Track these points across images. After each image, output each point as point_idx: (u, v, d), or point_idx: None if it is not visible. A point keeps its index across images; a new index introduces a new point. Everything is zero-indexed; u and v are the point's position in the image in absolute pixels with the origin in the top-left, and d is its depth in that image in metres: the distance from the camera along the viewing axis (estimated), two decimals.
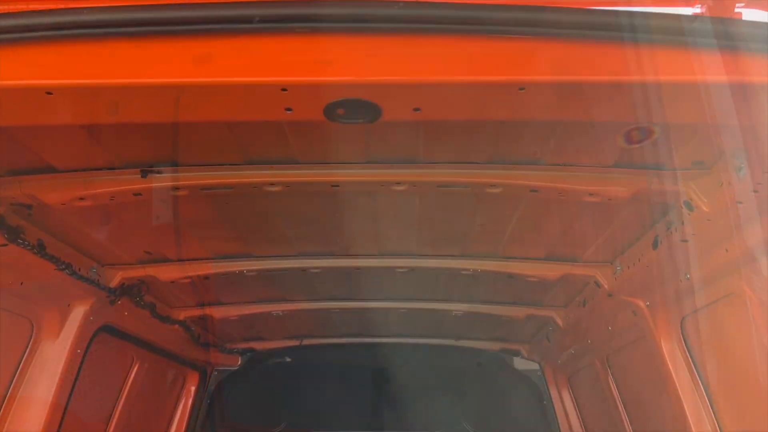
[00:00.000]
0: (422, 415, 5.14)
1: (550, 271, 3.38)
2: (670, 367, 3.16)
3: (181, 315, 4.19)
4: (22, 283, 2.84)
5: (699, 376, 3.09)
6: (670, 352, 3.17)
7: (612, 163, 2.32)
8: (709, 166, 2.20)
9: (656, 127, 2.02)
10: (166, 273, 3.44)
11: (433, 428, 5.08)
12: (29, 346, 3.13)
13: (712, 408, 3.01)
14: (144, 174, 2.38)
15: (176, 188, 2.47)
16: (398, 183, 2.46)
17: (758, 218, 2.16)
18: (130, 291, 3.47)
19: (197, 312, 4.23)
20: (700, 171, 2.23)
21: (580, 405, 4.88)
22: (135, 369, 4.17)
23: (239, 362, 5.28)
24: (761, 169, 1.97)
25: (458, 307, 4.31)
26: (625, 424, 4.01)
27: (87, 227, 2.87)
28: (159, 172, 2.40)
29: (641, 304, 3.24)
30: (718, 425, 2.96)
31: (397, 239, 3.24)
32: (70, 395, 3.26)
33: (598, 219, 2.75)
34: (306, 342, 5.29)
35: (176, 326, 4.16)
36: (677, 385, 3.15)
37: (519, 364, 5.27)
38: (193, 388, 5.04)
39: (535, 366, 5.22)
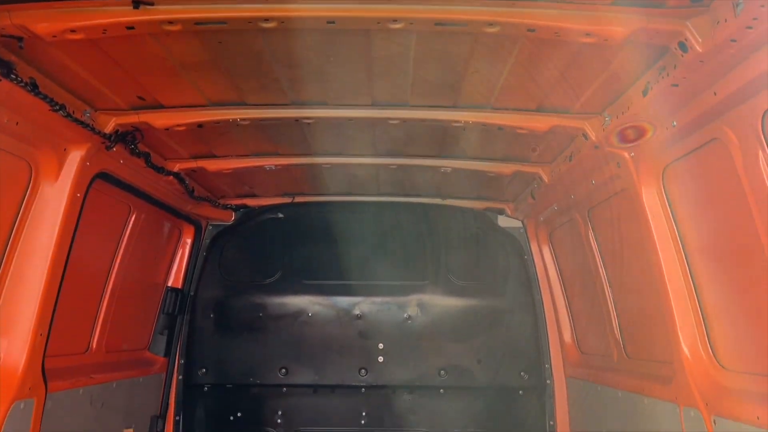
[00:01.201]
0: (409, 268, 5.42)
1: (540, 123, 3.44)
2: (649, 218, 3.33)
3: (176, 166, 4.25)
4: (17, 123, 2.85)
5: (676, 226, 3.27)
6: (651, 202, 3.32)
7: (610, 1, 2.32)
8: (708, 3, 2.20)
9: None
10: (159, 120, 3.45)
11: (420, 279, 5.37)
12: (29, 188, 3.19)
13: (686, 258, 3.22)
14: (136, 5, 2.34)
15: (169, 22, 2.43)
16: (395, 20, 2.44)
17: (750, 56, 2.21)
18: (124, 138, 3.50)
19: (191, 164, 4.29)
20: (699, 8, 2.23)
21: (559, 259, 5.16)
22: (132, 218, 4.30)
23: (233, 218, 5.44)
24: (758, 3, 1.98)
25: (447, 164, 4.40)
26: (602, 276, 4.27)
27: (79, 66, 2.84)
28: (151, 4, 2.35)
29: (626, 155, 3.35)
30: (692, 275, 3.17)
31: (391, 88, 3.25)
32: (72, 240, 3.37)
33: (591, 64, 2.77)
34: (298, 199, 5.43)
35: (170, 178, 4.23)
36: (655, 236, 3.33)
37: (503, 222, 5.49)
38: (189, 241, 5.23)
39: (518, 224, 5.45)
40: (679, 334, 3.15)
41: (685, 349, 3.12)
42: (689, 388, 3.02)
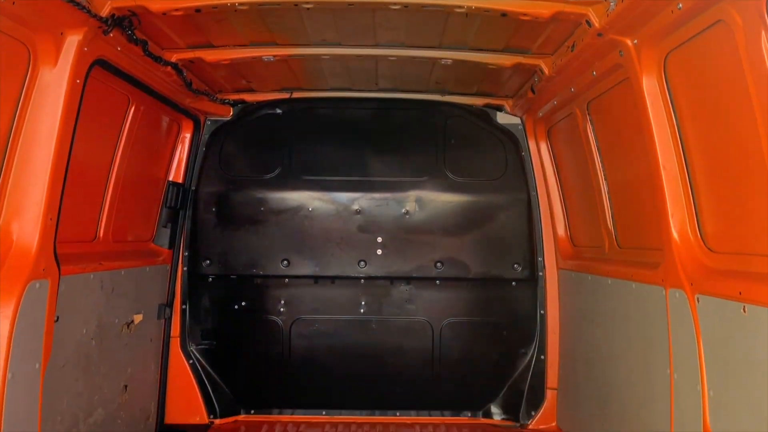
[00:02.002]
0: (408, 164, 5.48)
1: (544, 8, 3.39)
2: (648, 107, 3.35)
3: (173, 56, 4.20)
4: (14, 2, 2.80)
5: (675, 115, 3.29)
6: (651, 91, 3.33)
7: None
8: None
9: None
10: (155, 4, 3.38)
11: (418, 176, 5.45)
12: (29, 74, 3.17)
13: (682, 146, 3.26)
14: None
15: None
16: None
17: None
18: (121, 23, 3.44)
19: (189, 54, 4.23)
20: None
21: (556, 155, 5.22)
22: (132, 110, 4.30)
23: (231, 113, 5.43)
24: None
25: (448, 55, 4.35)
26: (598, 169, 4.34)
27: None
28: None
29: (629, 42, 3.32)
30: (686, 162, 3.23)
31: None
32: (75, 127, 3.38)
33: None
34: (296, 95, 5.40)
35: (168, 68, 4.20)
36: (653, 125, 3.36)
37: (502, 118, 5.50)
38: (188, 136, 5.24)
39: (517, 120, 5.47)
40: (671, 220, 3.25)
41: (675, 235, 3.23)
42: (676, 271, 3.16)
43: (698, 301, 2.97)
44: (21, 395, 3.09)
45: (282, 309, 5.47)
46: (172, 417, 5.24)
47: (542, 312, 5.37)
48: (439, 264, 5.41)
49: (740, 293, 2.62)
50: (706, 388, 2.88)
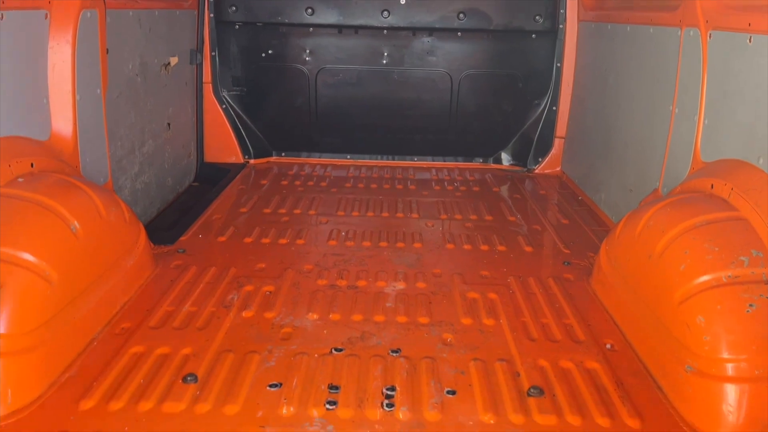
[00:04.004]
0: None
1: None
2: None
3: None
4: None
5: None
6: None
7: None
8: None
9: None
10: None
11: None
12: None
13: None
14: None
15: None
16: None
17: None
18: None
19: None
20: None
21: None
22: None
23: None
24: None
25: None
26: None
27: None
28: None
29: None
30: None
31: None
32: None
33: None
34: None
35: None
36: None
37: None
38: None
39: None
40: None
41: None
42: (694, 10, 3.31)
43: (710, 37, 3.17)
44: (89, 117, 3.47)
45: (307, 58, 5.68)
46: (211, 157, 5.75)
47: (558, 65, 5.57)
48: (461, 15, 5.48)
49: (749, 24, 2.81)
50: (702, 117, 3.21)
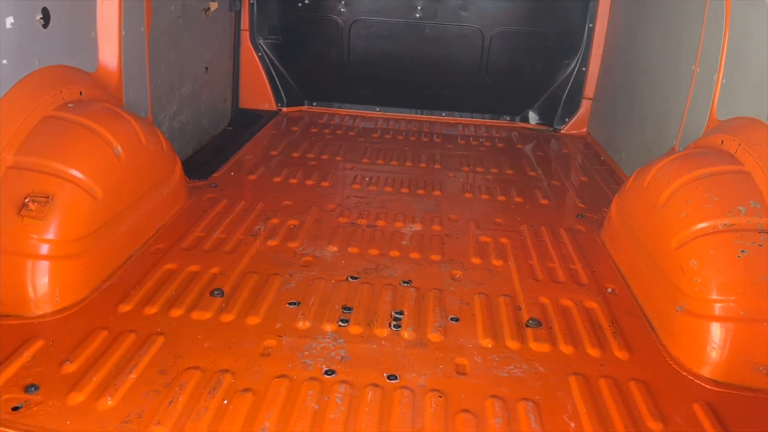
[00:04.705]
0: None
1: None
2: None
3: None
4: None
5: None
6: None
7: None
8: None
9: None
10: None
11: None
12: None
13: None
14: None
15: None
16: None
17: None
18: None
19: None
20: None
21: None
22: None
23: None
24: None
25: None
26: None
27: None
28: None
29: None
30: None
31: None
32: None
33: None
34: None
35: None
36: None
37: None
38: None
39: None
40: None
41: None
42: None
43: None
44: (133, 53, 3.68)
45: (342, 9, 5.80)
46: (245, 103, 5.95)
47: (591, 25, 5.59)
48: None
49: None
50: (721, 77, 3.27)
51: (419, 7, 5.74)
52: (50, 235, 2.54)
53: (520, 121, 6.05)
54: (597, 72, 5.65)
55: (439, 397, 2.19)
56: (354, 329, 2.56)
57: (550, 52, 5.79)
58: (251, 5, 5.71)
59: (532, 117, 6.01)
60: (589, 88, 5.71)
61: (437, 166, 4.74)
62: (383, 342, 2.50)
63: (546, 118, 5.97)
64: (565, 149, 5.43)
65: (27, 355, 2.26)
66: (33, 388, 2.10)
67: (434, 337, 2.55)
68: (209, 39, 5.12)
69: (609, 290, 2.98)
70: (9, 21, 2.66)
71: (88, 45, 3.39)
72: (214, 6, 5.06)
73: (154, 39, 4.02)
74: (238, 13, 5.65)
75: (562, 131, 5.85)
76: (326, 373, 2.28)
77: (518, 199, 4.12)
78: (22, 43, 2.78)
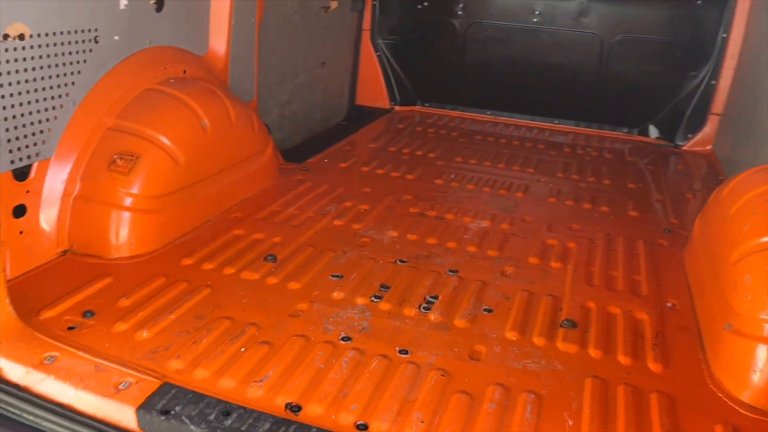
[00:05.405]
0: None
1: None
2: None
3: None
4: None
5: None
6: None
7: None
8: None
9: None
10: None
11: None
12: None
13: None
14: None
15: None
16: None
17: None
18: None
19: None
20: None
21: None
22: None
23: None
24: None
25: None
26: None
27: None
28: None
29: None
30: None
31: None
32: None
33: None
34: None
35: None
36: None
37: None
38: None
39: None
40: None
41: None
42: None
43: None
44: (241, 41, 4.04)
45: (460, 12, 5.88)
46: (361, 100, 6.21)
47: (724, 35, 5.17)
48: None
49: None
50: None
51: (537, 12, 5.66)
52: (134, 190, 2.89)
53: (638, 134, 5.73)
54: (728, 86, 5.20)
55: (442, 375, 2.20)
56: (384, 305, 2.64)
57: (675, 63, 5.43)
58: (374, 6, 5.96)
59: (653, 131, 5.67)
60: (718, 103, 5.28)
61: (531, 170, 4.66)
62: (408, 320, 2.55)
63: (667, 133, 5.60)
64: (680, 165, 5.07)
65: (95, 287, 2.61)
66: (89, 314, 2.43)
67: (460, 323, 2.56)
68: (328, 36, 5.43)
69: (669, 305, 2.79)
70: (123, 3, 3.08)
71: (200, 31, 3.78)
72: (334, 5, 5.37)
73: (267, 31, 4.37)
74: (361, 13, 5.93)
75: (684, 148, 5.46)
76: (343, 339, 2.39)
77: (604, 209, 3.94)
78: (135, 24, 3.19)
